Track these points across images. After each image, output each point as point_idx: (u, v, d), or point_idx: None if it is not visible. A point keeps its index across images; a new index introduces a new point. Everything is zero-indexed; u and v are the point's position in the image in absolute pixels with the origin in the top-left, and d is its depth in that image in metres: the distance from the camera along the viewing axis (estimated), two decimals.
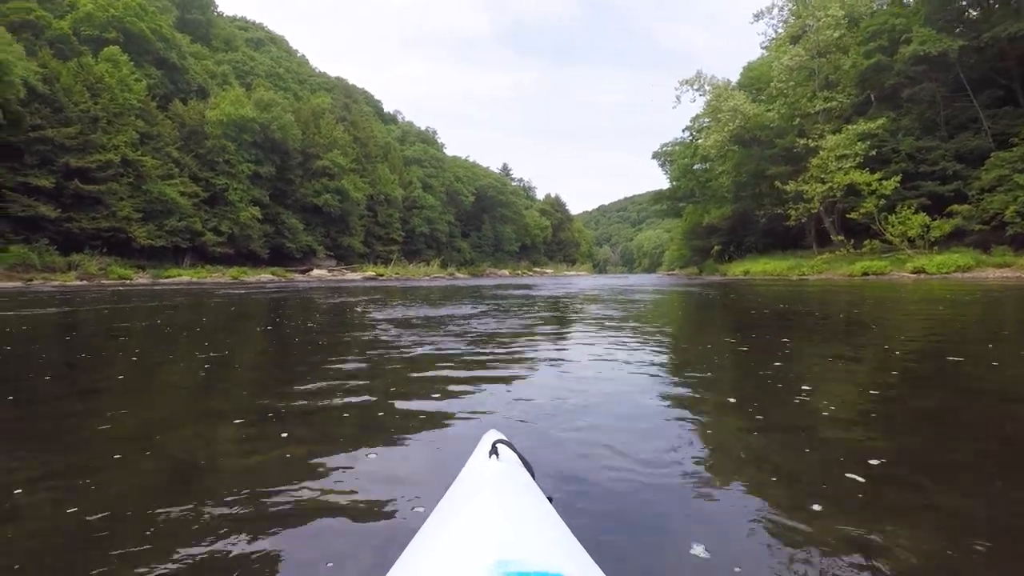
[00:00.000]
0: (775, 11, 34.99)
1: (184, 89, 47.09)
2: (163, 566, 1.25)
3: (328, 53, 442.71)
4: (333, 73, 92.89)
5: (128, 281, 31.54)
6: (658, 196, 62.62)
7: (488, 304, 10.03)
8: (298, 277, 42.41)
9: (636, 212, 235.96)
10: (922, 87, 26.77)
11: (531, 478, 1.08)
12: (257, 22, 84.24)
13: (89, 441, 2.21)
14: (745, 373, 3.56)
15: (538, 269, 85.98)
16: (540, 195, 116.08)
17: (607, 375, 3.44)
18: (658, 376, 3.46)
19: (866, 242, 26.98)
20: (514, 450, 1.14)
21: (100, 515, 1.49)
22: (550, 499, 1.01)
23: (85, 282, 29.30)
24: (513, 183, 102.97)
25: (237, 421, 2.43)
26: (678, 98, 37.80)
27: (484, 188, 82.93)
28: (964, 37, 24.96)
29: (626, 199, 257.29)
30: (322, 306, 10.39)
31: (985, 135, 25.45)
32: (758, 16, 35.81)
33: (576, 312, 8.71)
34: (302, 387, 3.14)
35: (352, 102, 69.52)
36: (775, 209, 34.31)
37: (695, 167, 48.45)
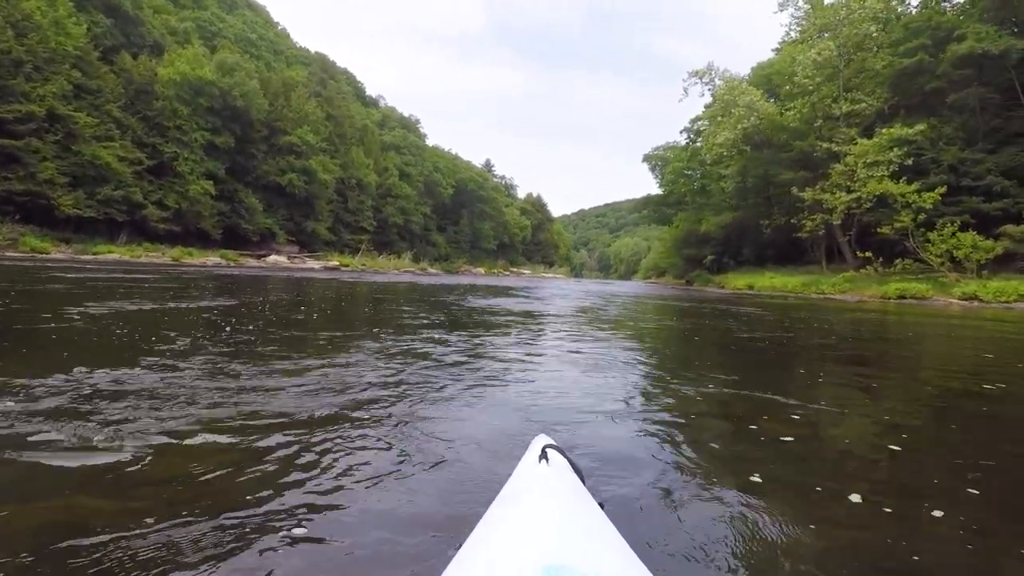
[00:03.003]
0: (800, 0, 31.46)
1: (137, 43, 42.11)
2: None
3: (313, 32, 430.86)
4: (315, 49, 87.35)
5: (42, 255, 26.86)
6: (646, 201, 59.64)
7: (429, 337, 5.36)
8: (251, 262, 38.00)
9: (615, 218, 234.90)
10: (969, 91, 23.82)
11: (581, 483, 1.04)
12: None
13: None
14: None
15: (515, 269, 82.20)
16: (521, 194, 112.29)
17: None
18: None
19: (897, 261, 23.87)
20: (564, 455, 1.11)
21: None
22: (601, 505, 0.96)
23: None
24: (495, 179, 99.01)
25: None
26: (685, 91, 34.48)
27: (464, 181, 78.85)
28: None
29: (606, 205, 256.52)
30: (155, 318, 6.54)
31: None
32: (783, 5, 32.29)
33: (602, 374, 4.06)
34: None
35: (329, 78, 64.85)
36: (782, 219, 31.24)
37: (688, 172, 45.36)
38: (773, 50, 42.61)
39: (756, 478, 1.97)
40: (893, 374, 4.87)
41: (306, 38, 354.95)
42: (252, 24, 68.16)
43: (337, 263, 42.96)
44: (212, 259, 35.24)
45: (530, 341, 5.68)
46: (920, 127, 24.24)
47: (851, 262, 27.63)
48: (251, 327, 5.42)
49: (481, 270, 69.61)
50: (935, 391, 3.99)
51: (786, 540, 1.50)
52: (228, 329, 5.14)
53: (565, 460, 1.10)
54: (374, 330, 5.84)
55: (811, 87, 28.27)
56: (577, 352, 4.96)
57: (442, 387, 3.24)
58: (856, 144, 25.71)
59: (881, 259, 24.39)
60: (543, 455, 1.09)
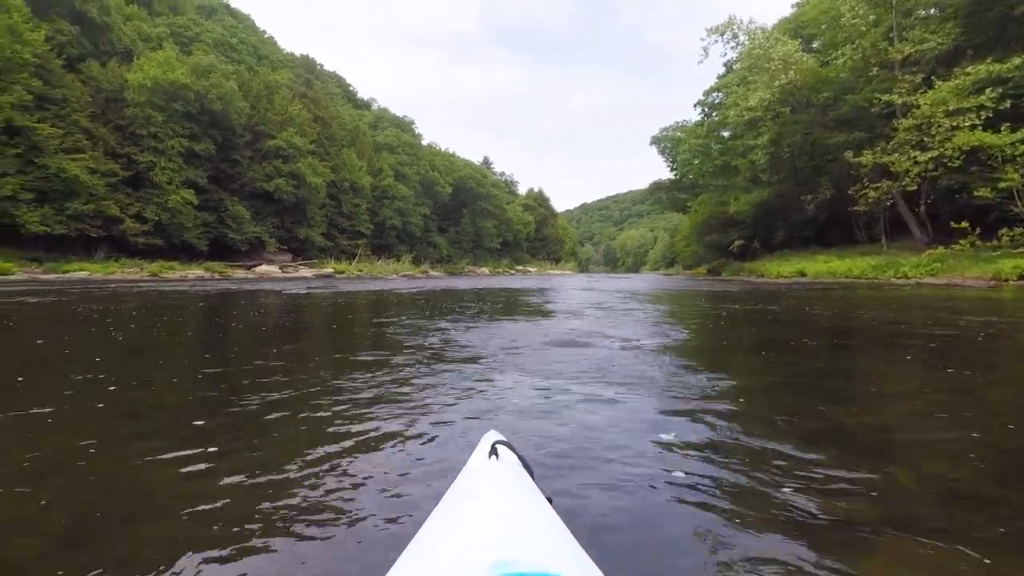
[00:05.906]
0: None
1: (107, 51, 39.59)
2: None
3: (303, 39, 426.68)
4: (301, 54, 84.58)
5: (5, 277, 24.39)
6: (656, 187, 56.51)
7: None
8: (239, 274, 35.47)
9: (619, 211, 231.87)
10: None
11: (531, 479, 1.05)
12: None
13: None
14: None
15: (520, 268, 79.48)
16: (522, 190, 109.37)
17: None
18: None
19: (1002, 231, 19.46)
20: (514, 451, 1.11)
21: None
22: (549, 500, 0.98)
23: None
24: (494, 176, 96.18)
25: None
26: (705, 51, 30.55)
27: (463, 179, 75.99)
28: None
29: (608, 198, 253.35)
30: None
31: None
32: None
33: None
34: None
35: (315, 79, 62.35)
36: (829, 192, 27.14)
37: (704, 150, 41.91)
38: (793, 5, 39.16)
39: None
40: None
41: (295, 45, 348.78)
42: (233, 29, 65.66)
43: (332, 270, 40.42)
44: (195, 272, 32.71)
45: None
46: (1016, 61, 19.70)
47: (920, 238, 23.67)
48: None
49: (485, 270, 66.97)
50: None
51: None
52: None
53: (515, 456, 1.09)
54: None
55: (863, 27, 24.14)
56: None
57: None
58: (931, 90, 21.28)
59: (980, 231, 19.99)
60: (493, 451, 1.07)
